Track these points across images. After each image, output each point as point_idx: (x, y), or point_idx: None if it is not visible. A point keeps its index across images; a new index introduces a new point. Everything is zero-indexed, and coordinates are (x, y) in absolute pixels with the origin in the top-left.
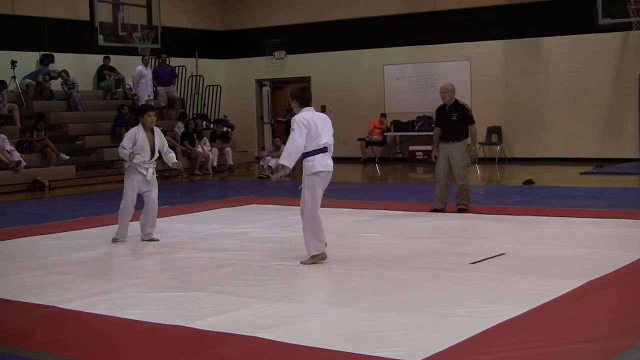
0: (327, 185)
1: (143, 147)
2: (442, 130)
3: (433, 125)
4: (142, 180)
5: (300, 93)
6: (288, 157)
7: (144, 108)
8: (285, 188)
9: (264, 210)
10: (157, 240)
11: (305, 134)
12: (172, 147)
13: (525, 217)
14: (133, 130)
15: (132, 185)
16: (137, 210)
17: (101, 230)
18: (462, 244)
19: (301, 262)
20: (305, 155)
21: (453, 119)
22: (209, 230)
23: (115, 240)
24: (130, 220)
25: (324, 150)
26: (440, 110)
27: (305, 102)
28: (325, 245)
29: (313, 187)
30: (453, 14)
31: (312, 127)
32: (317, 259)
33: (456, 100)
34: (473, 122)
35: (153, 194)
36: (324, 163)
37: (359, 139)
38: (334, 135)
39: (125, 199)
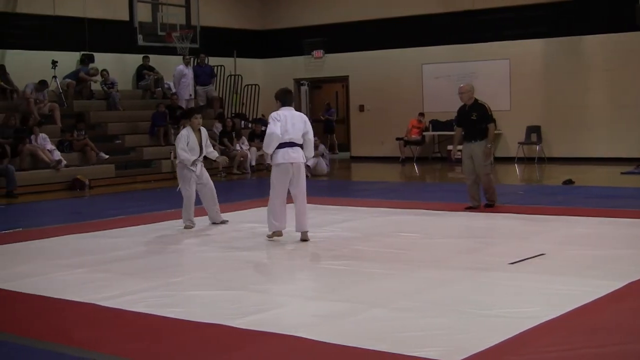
0: (298, 175)
1: (193, 148)
2: (463, 130)
3: (454, 125)
4: (193, 175)
5: (281, 94)
6: (266, 146)
7: (192, 111)
8: (324, 187)
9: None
10: (227, 221)
11: (279, 126)
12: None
13: (565, 217)
14: (184, 132)
15: (189, 179)
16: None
17: (140, 229)
18: (499, 244)
19: (267, 236)
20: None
21: (473, 119)
22: (247, 229)
23: (188, 227)
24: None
25: (289, 144)
26: (461, 110)
27: (285, 102)
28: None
29: (273, 177)
30: (492, 12)
31: (282, 121)
32: (273, 235)
33: (476, 100)
34: (492, 121)
35: (206, 182)
36: (286, 156)
37: (397, 139)
38: (369, 135)
39: (185, 190)
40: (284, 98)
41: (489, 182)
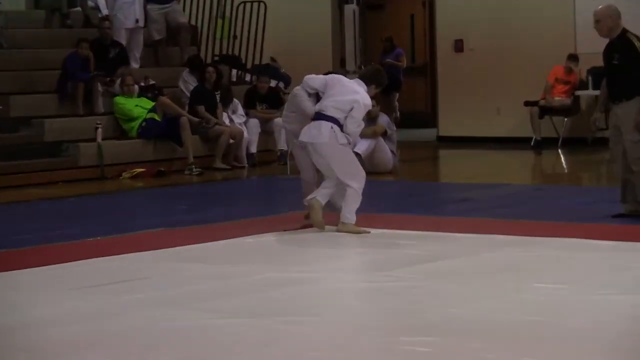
0: (319, 159)
1: None
2: (607, 84)
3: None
4: None
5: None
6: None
7: None
8: (390, 195)
9: (344, 237)
10: None
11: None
12: (174, 118)
13: None
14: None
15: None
16: None
17: None
18: None
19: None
20: None
21: (615, 63)
22: (243, 276)
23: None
24: None
25: (317, 115)
26: (605, 51)
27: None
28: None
29: None
30: None
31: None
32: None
33: (623, 33)
34: None
35: None
36: (303, 133)
37: (528, 104)
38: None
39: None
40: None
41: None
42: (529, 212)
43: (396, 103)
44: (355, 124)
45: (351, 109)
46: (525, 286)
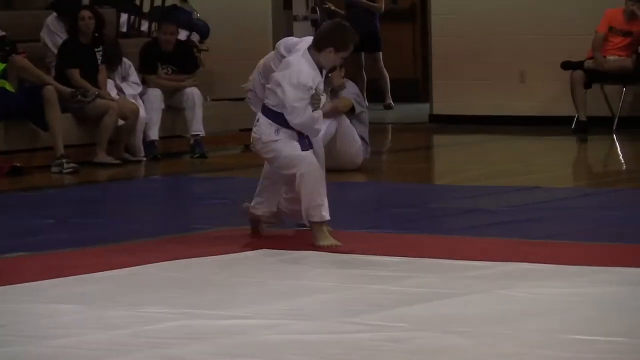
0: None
1: None
2: None
3: None
4: None
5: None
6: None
7: None
8: (362, 202)
9: (284, 265)
10: None
11: None
12: (35, 87)
13: None
14: None
15: None
16: None
17: None
18: None
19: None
20: None
21: None
22: (148, 322)
23: None
24: None
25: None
26: None
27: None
28: None
29: None
30: None
31: None
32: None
33: None
34: None
35: None
36: None
37: (566, 66)
38: None
39: None
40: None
41: None
42: (567, 229)
43: (382, 67)
44: (293, 113)
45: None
46: (560, 340)
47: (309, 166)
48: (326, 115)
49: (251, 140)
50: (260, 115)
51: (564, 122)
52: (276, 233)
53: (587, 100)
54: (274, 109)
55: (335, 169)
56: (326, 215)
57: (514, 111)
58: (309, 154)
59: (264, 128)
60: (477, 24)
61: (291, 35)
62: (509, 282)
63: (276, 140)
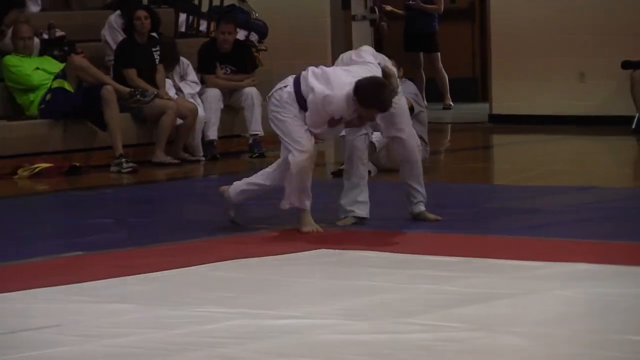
0: None
1: None
2: None
3: None
4: None
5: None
6: None
7: None
8: (404, 203)
9: (341, 265)
10: None
11: None
12: (94, 87)
13: None
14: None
15: None
16: None
17: None
18: None
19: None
20: None
21: None
22: (201, 322)
23: None
24: None
25: None
26: None
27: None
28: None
29: None
30: None
31: None
32: None
33: None
34: None
35: None
36: None
37: (626, 65)
38: None
39: None
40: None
41: None
42: (625, 229)
43: (441, 68)
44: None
45: None
46: (616, 341)
47: (301, 155)
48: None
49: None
50: (291, 83)
51: (623, 122)
52: (334, 233)
53: None
54: (303, 93)
55: (394, 169)
56: (307, 204)
57: (573, 111)
58: (309, 142)
59: (286, 96)
60: (536, 23)
61: (349, 35)
62: (566, 283)
63: (287, 111)
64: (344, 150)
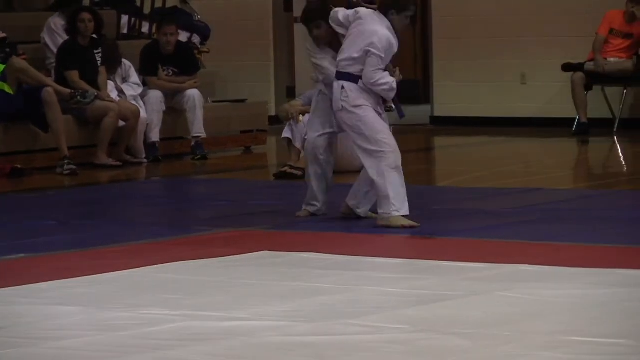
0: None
1: None
2: None
3: None
4: None
5: None
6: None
7: None
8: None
9: (285, 267)
10: None
11: None
12: (35, 89)
13: None
14: None
15: None
16: None
17: None
18: None
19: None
20: None
21: None
22: (145, 325)
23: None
24: None
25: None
26: None
27: None
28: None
29: None
30: None
31: None
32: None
33: None
34: None
35: None
36: None
37: (567, 67)
38: None
39: None
40: None
41: None
42: (568, 230)
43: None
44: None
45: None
46: (561, 342)
47: (394, 154)
48: None
49: (337, 107)
50: (343, 82)
51: (564, 124)
52: (277, 234)
53: (587, 102)
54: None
55: (336, 170)
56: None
57: (515, 113)
58: (394, 140)
59: (351, 94)
60: (478, 25)
61: (292, 37)
62: (510, 284)
63: (361, 106)
64: (306, 150)
